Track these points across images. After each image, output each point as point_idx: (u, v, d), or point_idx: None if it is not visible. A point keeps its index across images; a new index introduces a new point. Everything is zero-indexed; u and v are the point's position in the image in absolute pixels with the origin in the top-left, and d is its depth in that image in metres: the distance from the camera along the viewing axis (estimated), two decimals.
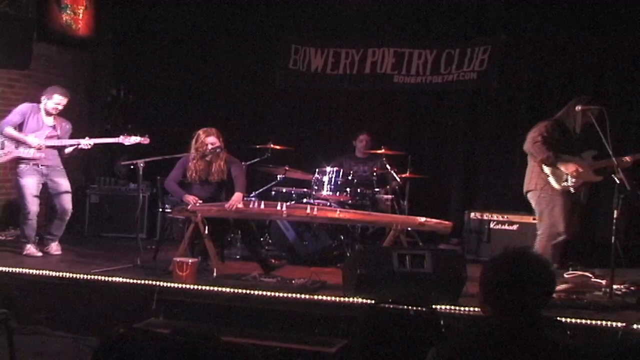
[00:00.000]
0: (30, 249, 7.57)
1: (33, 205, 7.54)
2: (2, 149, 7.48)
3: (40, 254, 7.59)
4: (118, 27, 10.45)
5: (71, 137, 7.77)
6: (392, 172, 8.50)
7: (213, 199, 7.38)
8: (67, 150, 7.73)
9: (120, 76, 10.54)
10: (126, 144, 7.64)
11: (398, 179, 8.49)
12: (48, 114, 7.62)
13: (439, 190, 9.54)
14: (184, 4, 10.18)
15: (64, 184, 7.70)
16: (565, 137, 6.52)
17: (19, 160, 7.54)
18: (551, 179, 6.50)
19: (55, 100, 7.56)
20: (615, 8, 8.70)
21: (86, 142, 7.57)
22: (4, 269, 6.64)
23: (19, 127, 7.53)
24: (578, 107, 6.37)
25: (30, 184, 7.51)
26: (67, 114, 8.28)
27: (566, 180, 6.42)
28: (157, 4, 10.16)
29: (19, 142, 7.49)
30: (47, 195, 7.82)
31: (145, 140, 7.60)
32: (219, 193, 7.53)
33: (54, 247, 7.75)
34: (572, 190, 6.42)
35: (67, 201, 7.70)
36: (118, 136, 7.67)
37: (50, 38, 9.32)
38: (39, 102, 7.68)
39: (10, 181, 8.57)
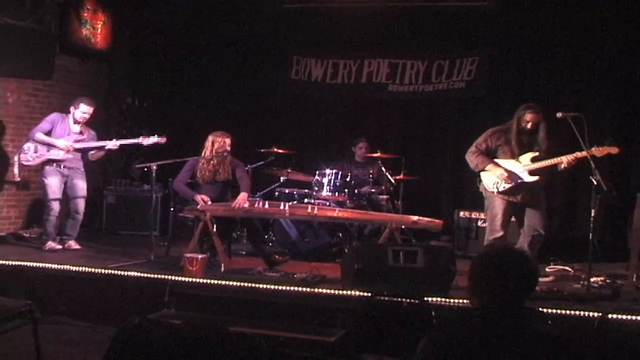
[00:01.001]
0: (51, 244, 7.67)
1: (55, 203, 7.71)
2: (35, 152, 7.65)
3: (60, 246, 7.71)
4: (133, 41, 10.46)
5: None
6: (387, 174, 8.51)
7: (220, 198, 7.39)
8: (92, 153, 7.89)
9: (135, 85, 10.55)
10: (145, 143, 7.74)
11: (392, 181, 8.50)
12: (76, 122, 7.82)
13: (430, 191, 9.54)
14: (194, 19, 10.18)
15: (81, 186, 7.85)
16: (509, 141, 6.57)
17: (46, 161, 7.69)
18: (485, 184, 6.67)
19: (82, 109, 7.75)
20: (594, 22, 8.73)
21: (113, 144, 7.80)
22: (29, 263, 6.66)
23: (48, 133, 7.70)
24: (559, 114, 6.35)
25: (54, 184, 7.68)
26: (86, 120, 8.31)
27: (495, 184, 6.56)
28: (169, 20, 10.17)
29: (49, 146, 7.65)
30: (64, 196, 7.88)
31: (162, 140, 7.67)
32: (226, 192, 7.54)
33: (73, 244, 7.86)
34: (493, 192, 6.56)
35: (81, 203, 7.85)
36: (138, 137, 7.78)
37: (71, 51, 9.34)
38: (67, 111, 7.87)
39: (35, 182, 8.60)
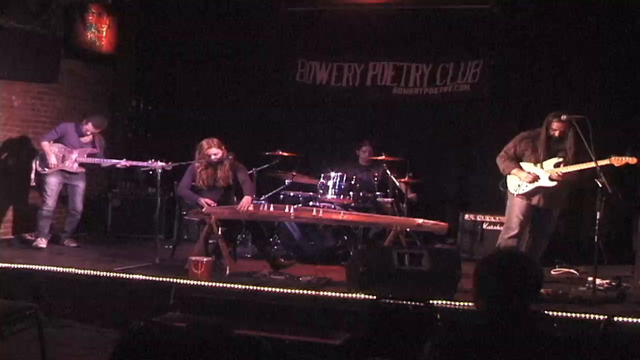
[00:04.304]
0: (39, 241, 8.04)
1: (51, 200, 8.09)
2: (51, 162, 7.99)
3: (44, 246, 8.03)
4: (138, 44, 10.49)
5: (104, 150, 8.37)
6: (392, 177, 8.50)
7: (223, 203, 7.38)
8: (104, 165, 8.28)
9: (140, 89, 10.57)
10: (152, 167, 7.78)
11: (397, 183, 8.50)
12: (81, 135, 8.16)
13: (435, 194, 9.52)
14: (199, 23, 10.20)
15: (81, 187, 8.26)
16: (536, 148, 6.73)
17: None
18: (509, 186, 6.89)
19: (88, 127, 8.17)
20: (599, 24, 8.73)
21: (123, 163, 8.14)
22: (34, 266, 6.69)
23: (58, 141, 8.08)
24: (564, 117, 6.45)
25: (53, 183, 8.07)
26: None
27: (517, 187, 6.79)
28: (174, 23, 10.19)
29: (64, 156, 8.03)
30: (65, 195, 8.30)
31: (169, 167, 7.64)
32: (228, 196, 7.54)
33: (70, 242, 8.25)
34: (514, 194, 6.80)
35: (79, 201, 8.27)
36: (147, 161, 7.79)
37: (76, 54, 9.36)
38: (77, 119, 8.34)
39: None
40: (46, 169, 7.99)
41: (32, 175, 8.23)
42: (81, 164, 8.14)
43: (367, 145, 9.03)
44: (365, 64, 9.89)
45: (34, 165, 8.15)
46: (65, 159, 8.03)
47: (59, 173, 8.06)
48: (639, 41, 8.53)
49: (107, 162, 8.17)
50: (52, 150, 7.97)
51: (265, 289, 6.05)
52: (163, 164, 7.71)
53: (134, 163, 8.14)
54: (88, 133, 8.15)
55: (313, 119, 10.26)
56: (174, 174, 7.84)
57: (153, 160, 7.80)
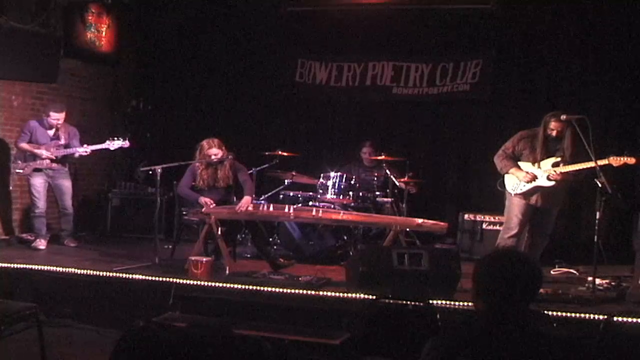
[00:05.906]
0: (37, 242, 8.05)
1: (41, 201, 8.11)
2: (25, 161, 8.01)
3: (43, 247, 8.03)
4: (138, 44, 10.48)
5: (86, 141, 8.23)
6: (392, 177, 8.50)
7: (223, 203, 7.39)
8: (76, 155, 8.20)
9: (140, 88, 10.57)
10: (111, 148, 8.13)
11: (397, 183, 8.49)
12: (50, 127, 8.07)
13: (435, 193, 9.52)
14: (199, 23, 10.21)
15: (66, 185, 8.28)
16: (534, 147, 6.74)
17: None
18: (507, 185, 6.91)
19: (52, 117, 8.04)
20: (598, 24, 8.74)
21: (83, 150, 8.10)
22: (34, 266, 6.69)
23: (30, 140, 8.04)
24: (563, 117, 6.45)
25: (38, 183, 8.08)
26: (91, 123, 8.40)
27: (515, 186, 6.81)
28: (173, 23, 10.19)
29: (35, 155, 7.98)
30: (51, 194, 8.30)
31: (126, 144, 8.06)
32: (228, 197, 7.55)
33: (70, 241, 8.28)
34: (511, 193, 6.83)
35: (67, 199, 8.28)
36: (104, 142, 8.10)
37: (76, 54, 9.35)
38: (46, 115, 8.12)
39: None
40: (18, 170, 8.02)
41: (11, 180, 8.28)
42: (56, 160, 8.05)
43: (368, 146, 9.03)
44: (365, 64, 9.89)
45: (12, 170, 8.17)
46: (36, 158, 7.99)
47: (41, 173, 8.04)
48: (638, 41, 8.54)
49: (68, 151, 8.06)
50: (33, 147, 7.97)
51: (265, 289, 6.05)
52: (120, 141, 8.00)
53: (93, 147, 8.12)
54: (54, 123, 8.01)
55: (312, 119, 10.27)
56: (172, 172, 7.83)
57: (111, 139, 8.07)
